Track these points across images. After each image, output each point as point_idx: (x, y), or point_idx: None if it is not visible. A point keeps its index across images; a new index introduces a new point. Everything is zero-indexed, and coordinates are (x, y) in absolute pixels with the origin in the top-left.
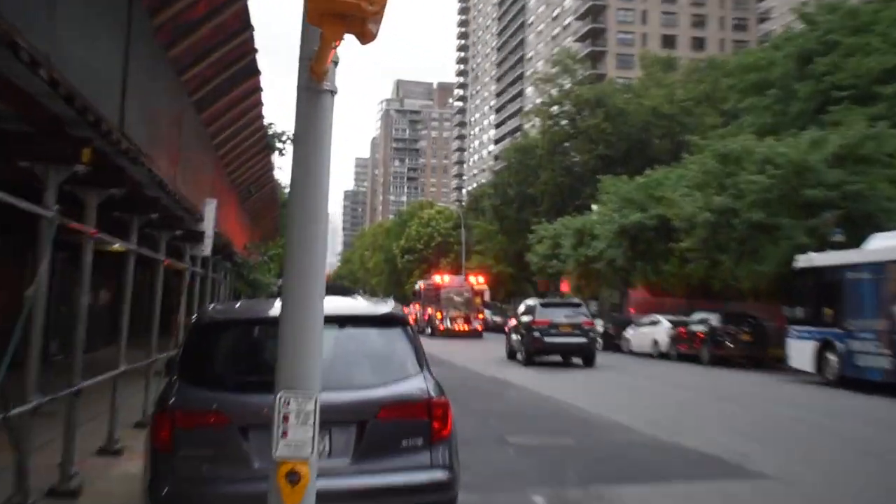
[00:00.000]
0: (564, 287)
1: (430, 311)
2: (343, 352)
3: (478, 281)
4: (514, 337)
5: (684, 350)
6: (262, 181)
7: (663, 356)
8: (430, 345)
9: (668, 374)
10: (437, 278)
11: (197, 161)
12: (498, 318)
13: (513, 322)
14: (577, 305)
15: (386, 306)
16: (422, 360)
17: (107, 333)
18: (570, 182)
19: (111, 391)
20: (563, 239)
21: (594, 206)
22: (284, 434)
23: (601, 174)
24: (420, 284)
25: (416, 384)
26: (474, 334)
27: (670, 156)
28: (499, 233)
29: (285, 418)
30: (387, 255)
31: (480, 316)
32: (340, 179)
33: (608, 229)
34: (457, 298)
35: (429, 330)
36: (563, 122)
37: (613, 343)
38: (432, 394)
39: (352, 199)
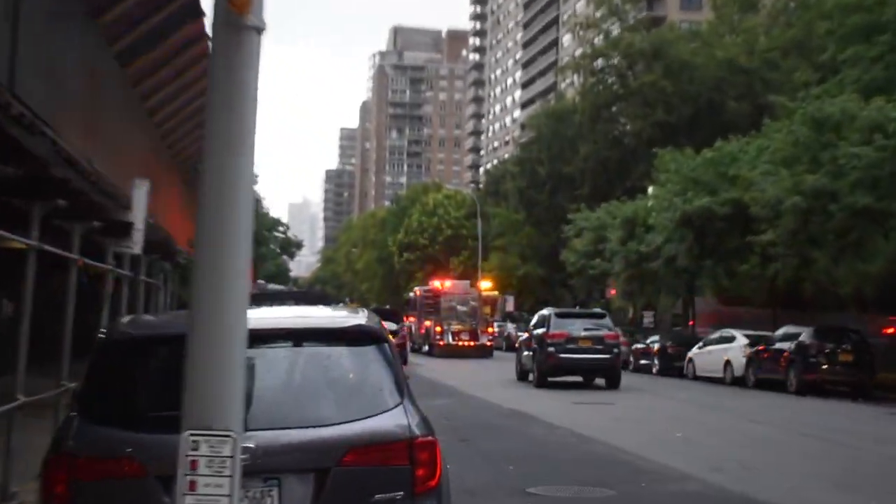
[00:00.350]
0: (610, 293)
1: (427, 323)
2: (298, 377)
3: (486, 286)
4: (526, 353)
5: (766, 374)
6: None
7: (738, 382)
8: (427, 366)
9: (743, 405)
10: (436, 283)
11: (122, 131)
12: (525, 335)
13: (525, 336)
14: (600, 316)
15: (356, 317)
16: (402, 386)
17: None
18: (617, 157)
19: (5, 430)
20: (609, 231)
21: (649, 189)
22: (192, 486)
23: (658, 147)
24: (415, 291)
25: (394, 419)
26: (482, 352)
27: (748, 122)
28: (526, 223)
29: (192, 465)
30: (380, 253)
31: (490, 329)
32: (320, 156)
33: (667, 218)
34: (460, 308)
35: (426, 347)
36: (610, 79)
37: (673, 366)
38: (416, 431)
39: (335, 181)
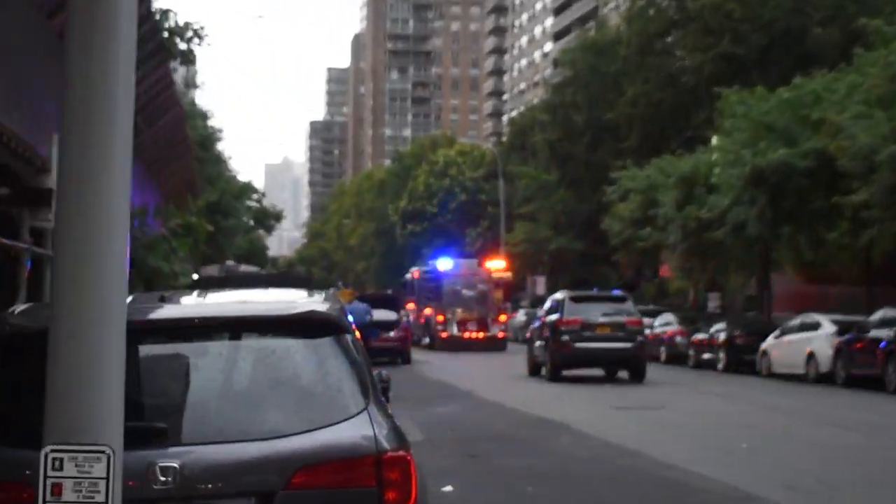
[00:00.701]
0: (665, 271)
1: (427, 311)
2: (236, 379)
3: (497, 266)
4: (538, 344)
5: (859, 370)
6: (158, 106)
7: (824, 379)
8: (428, 362)
9: (828, 408)
10: (437, 263)
11: (33, 72)
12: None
13: (537, 324)
14: (621, 300)
15: (311, 301)
16: (368, 388)
17: None
18: (672, 100)
19: None
20: (662, 192)
21: (712, 139)
22: None
23: (723, 86)
24: (412, 272)
25: (357, 429)
26: (493, 345)
27: (836, 53)
28: (559, 185)
29: (56, 489)
30: (379, 225)
31: (502, 318)
32: (303, 105)
33: (734, 175)
34: (466, 293)
35: (426, 339)
36: (664, 1)
37: (744, 360)
38: (384, 444)
39: (322, 135)
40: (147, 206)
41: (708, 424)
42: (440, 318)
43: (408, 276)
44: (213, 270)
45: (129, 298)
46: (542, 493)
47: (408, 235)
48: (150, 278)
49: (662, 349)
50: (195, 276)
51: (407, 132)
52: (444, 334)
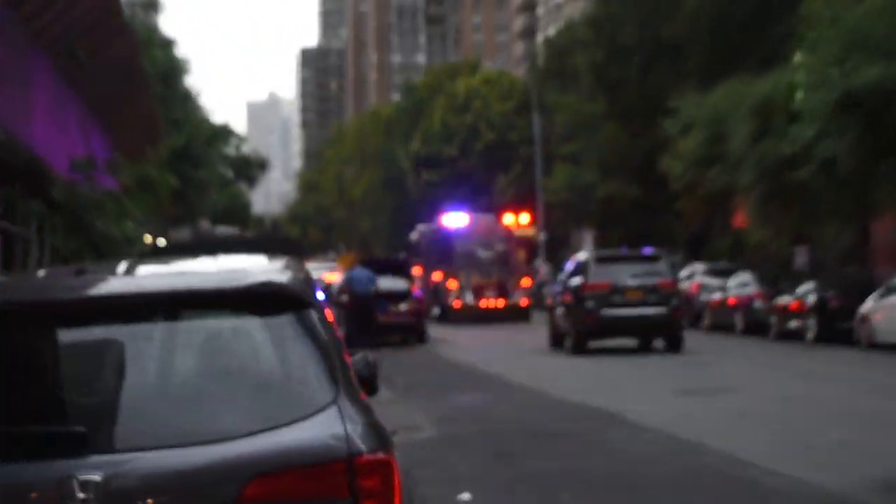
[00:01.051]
0: (738, 221)
1: (436, 277)
2: (173, 368)
3: (521, 222)
4: (559, 311)
5: None
6: (103, 30)
7: None
8: (446, 340)
9: None
10: (447, 219)
11: None
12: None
13: (558, 289)
14: (654, 259)
15: (269, 269)
16: (338, 375)
17: None
18: (744, 9)
19: None
20: (733, 124)
21: (797, 56)
22: None
23: None
24: (418, 230)
25: (325, 426)
26: (515, 314)
27: None
28: (607, 118)
29: None
30: (388, 173)
31: (525, 282)
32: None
33: (820, 100)
34: (483, 254)
35: (436, 310)
36: None
37: (839, 328)
38: (359, 444)
39: (316, 65)
40: (94, 158)
41: (793, 411)
42: (452, 284)
43: (413, 234)
44: (183, 234)
45: (41, 273)
46: (582, 502)
47: (422, 185)
48: (98, 246)
49: (738, 316)
50: (162, 242)
51: (420, 58)
52: (456, 303)
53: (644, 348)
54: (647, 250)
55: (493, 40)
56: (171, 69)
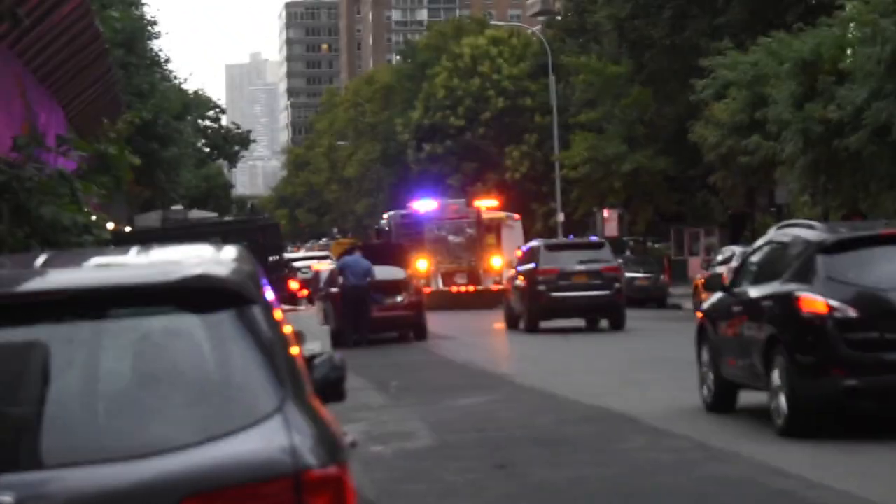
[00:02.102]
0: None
1: None
2: (97, 374)
3: (488, 205)
4: (515, 295)
5: None
6: None
7: None
8: (448, 337)
9: None
10: (416, 205)
11: None
12: (639, 274)
13: (512, 274)
14: (598, 246)
15: (208, 260)
16: (285, 379)
17: None
18: None
19: None
20: (774, 85)
21: (846, 7)
22: None
23: None
24: (389, 216)
25: (268, 437)
26: (486, 300)
27: None
28: (633, 80)
29: None
30: (386, 147)
31: (496, 267)
32: None
33: (872, 57)
34: (453, 239)
35: None
36: None
37: None
38: (307, 458)
39: (303, 24)
40: (40, 134)
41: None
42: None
43: (383, 221)
44: (152, 220)
45: None
46: None
47: (424, 160)
48: (46, 235)
49: None
50: (128, 229)
51: (422, 14)
52: (426, 290)
53: (591, 328)
54: (593, 238)
55: None
56: (135, 31)
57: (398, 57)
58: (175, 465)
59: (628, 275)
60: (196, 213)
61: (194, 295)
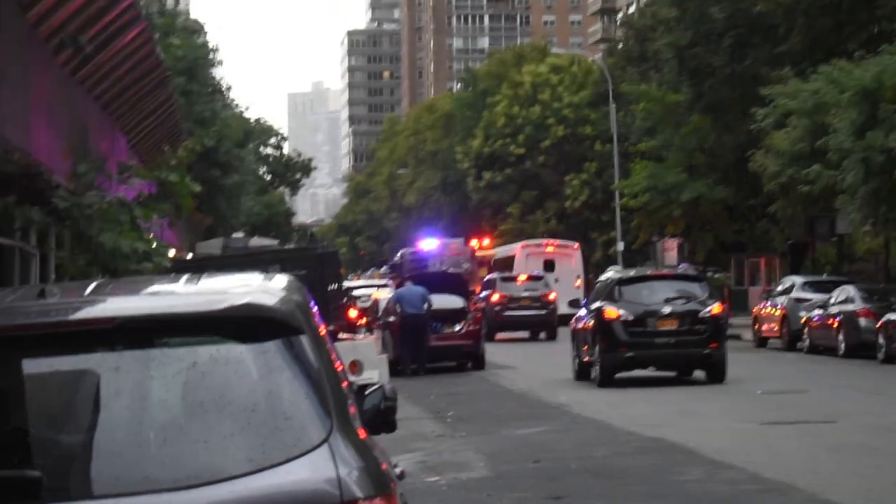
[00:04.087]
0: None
1: None
2: (144, 403)
3: (480, 244)
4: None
5: None
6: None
7: None
8: (509, 366)
9: None
10: (422, 244)
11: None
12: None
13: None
14: (538, 279)
15: (256, 290)
16: (331, 409)
17: None
18: None
19: None
20: (835, 114)
21: None
22: None
23: None
24: (401, 253)
25: (313, 469)
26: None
27: None
28: (693, 108)
29: None
30: (446, 174)
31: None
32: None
33: None
34: (451, 272)
35: None
36: None
37: None
38: (353, 489)
39: (365, 51)
40: (102, 161)
41: (894, 445)
42: None
43: (396, 257)
44: (213, 247)
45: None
46: None
47: (484, 188)
48: (106, 262)
49: (840, 337)
50: (189, 256)
51: (483, 42)
52: None
53: (533, 338)
54: (536, 272)
55: (565, 22)
56: (197, 60)
57: (459, 85)
58: (223, 495)
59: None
60: (256, 241)
61: (241, 324)
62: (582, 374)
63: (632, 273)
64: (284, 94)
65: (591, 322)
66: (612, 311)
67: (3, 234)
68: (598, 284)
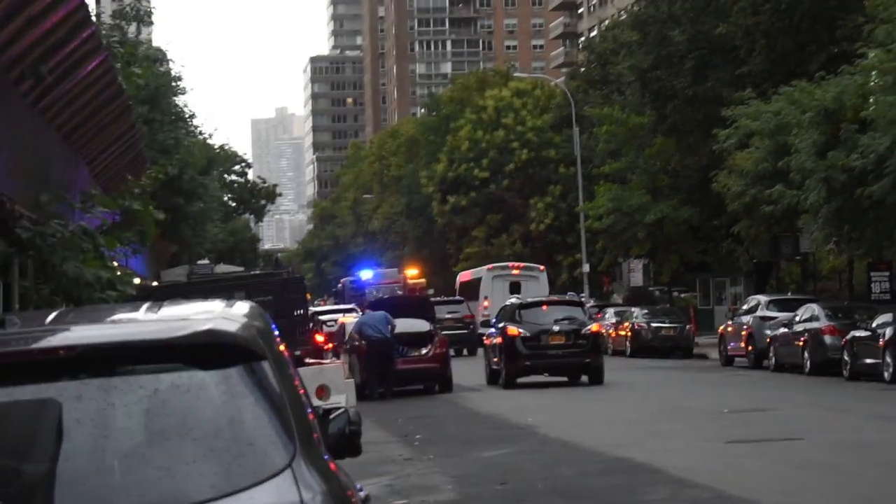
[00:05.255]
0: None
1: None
2: (106, 431)
3: (411, 274)
4: None
5: None
6: (74, 51)
7: None
8: (477, 389)
9: None
10: (360, 273)
11: None
12: (665, 324)
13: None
14: (458, 302)
15: (216, 316)
16: (294, 434)
17: None
18: (807, 9)
19: None
20: (797, 134)
21: (870, 53)
22: None
23: None
24: (343, 281)
25: (276, 494)
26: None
27: None
28: (655, 131)
29: None
30: (411, 200)
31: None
32: (300, 35)
33: (894, 104)
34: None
35: None
36: None
37: None
38: None
39: (328, 78)
40: (64, 191)
41: (865, 463)
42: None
43: (339, 285)
44: (178, 274)
45: None
46: None
47: (449, 212)
48: (70, 291)
49: (805, 355)
50: (155, 284)
51: (446, 67)
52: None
53: (457, 354)
54: (457, 297)
55: (528, 46)
56: (159, 88)
57: (422, 110)
58: None
59: (654, 324)
60: (222, 268)
61: (203, 350)
62: (492, 379)
63: (528, 300)
64: (248, 119)
65: (499, 338)
66: (513, 330)
67: None
68: (503, 309)
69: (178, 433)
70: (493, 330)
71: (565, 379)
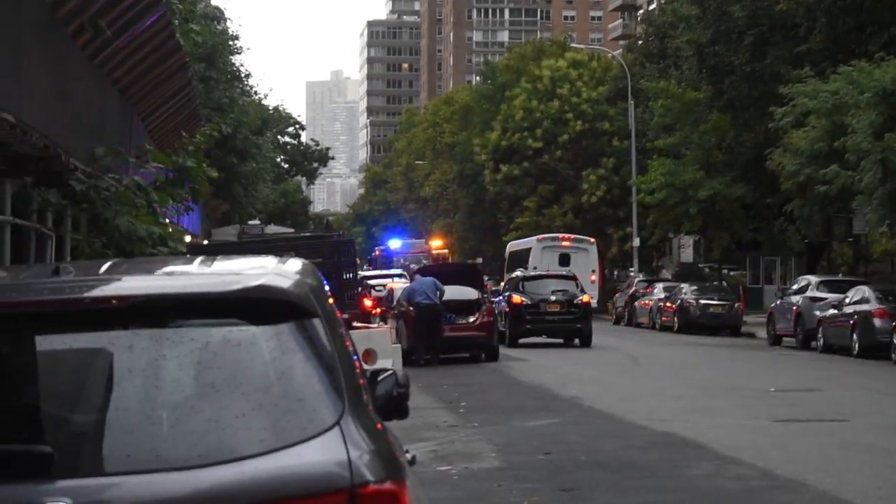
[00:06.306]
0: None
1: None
2: (156, 383)
3: (435, 245)
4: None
5: None
6: (131, 7)
7: None
8: (522, 359)
9: None
10: (390, 242)
11: None
12: (714, 301)
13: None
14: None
15: (269, 272)
16: (343, 392)
17: None
18: None
19: None
20: (851, 115)
21: None
22: None
23: None
24: (377, 250)
25: (324, 451)
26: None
27: None
28: (712, 106)
29: None
30: (463, 167)
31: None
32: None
33: None
34: (412, 267)
35: None
36: None
37: None
38: (364, 472)
39: (384, 42)
40: (119, 147)
41: None
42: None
43: (373, 253)
44: (229, 233)
45: (15, 271)
46: None
47: (501, 181)
48: (122, 246)
49: (854, 337)
50: (206, 242)
51: (503, 36)
52: None
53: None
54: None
55: (585, 17)
56: (216, 46)
57: (478, 78)
58: (233, 475)
59: (703, 301)
60: (273, 229)
61: (254, 306)
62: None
63: (530, 273)
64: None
65: (506, 306)
66: (517, 298)
67: (20, 216)
68: (510, 280)
69: (228, 387)
70: (500, 298)
71: (560, 341)
